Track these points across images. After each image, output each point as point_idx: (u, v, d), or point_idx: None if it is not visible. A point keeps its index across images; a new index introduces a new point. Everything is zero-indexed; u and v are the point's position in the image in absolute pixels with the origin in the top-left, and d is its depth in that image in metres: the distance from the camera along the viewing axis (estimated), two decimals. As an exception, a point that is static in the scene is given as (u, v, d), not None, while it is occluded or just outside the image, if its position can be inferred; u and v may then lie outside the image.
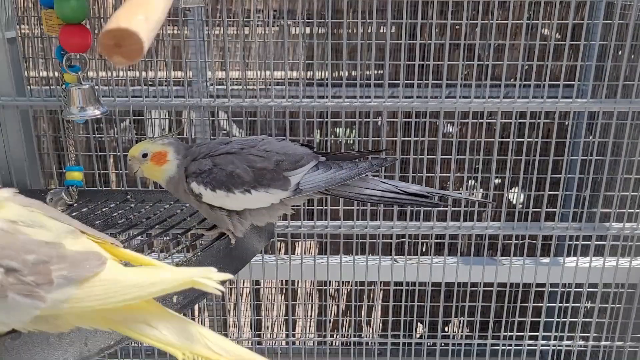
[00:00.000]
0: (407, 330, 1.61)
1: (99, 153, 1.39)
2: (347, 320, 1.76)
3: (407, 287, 1.55)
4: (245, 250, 0.94)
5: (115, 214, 1.07)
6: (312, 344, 1.72)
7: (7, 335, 0.58)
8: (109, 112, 1.08)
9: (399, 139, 1.37)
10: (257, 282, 1.69)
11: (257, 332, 1.78)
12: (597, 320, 1.51)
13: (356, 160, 0.92)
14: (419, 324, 1.69)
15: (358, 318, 1.65)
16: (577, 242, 1.44)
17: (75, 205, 1.12)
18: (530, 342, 1.56)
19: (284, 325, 1.82)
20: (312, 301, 1.78)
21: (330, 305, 1.73)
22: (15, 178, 1.29)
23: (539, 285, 1.53)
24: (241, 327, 1.70)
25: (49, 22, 1.01)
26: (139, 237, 0.97)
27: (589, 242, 1.44)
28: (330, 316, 1.75)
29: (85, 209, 1.11)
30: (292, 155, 0.89)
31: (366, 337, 1.67)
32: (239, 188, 0.86)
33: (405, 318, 1.58)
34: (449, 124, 1.48)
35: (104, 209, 1.11)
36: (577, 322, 1.53)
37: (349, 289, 1.69)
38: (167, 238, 0.97)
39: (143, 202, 1.14)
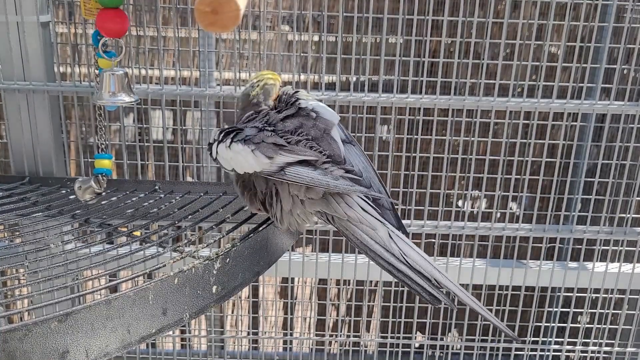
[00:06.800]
0: (407, 333, 1.60)
1: (129, 143, 1.38)
2: (346, 325, 1.74)
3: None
4: (279, 244, 0.93)
5: (145, 204, 1.06)
6: (309, 351, 1.70)
7: (53, 318, 0.57)
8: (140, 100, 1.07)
9: (405, 136, 1.37)
10: (256, 280, 1.67)
11: (254, 330, 1.76)
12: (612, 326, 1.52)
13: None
14: (417, 332, 1.68)
15: (357, 318, 1.64)
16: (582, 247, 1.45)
17: (103, 194, 1.11)
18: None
19: (282, 327, 1.80)
20: (311, 300, 1.77)
21: (329, 309, 1.71)
22: (42, 165, 1.28)
23: (549, 289, 1.54)
24: (239, 327, 1.69)
25: (87, 6, 1.00)
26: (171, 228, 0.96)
27: (594, 247, 1.44)
28: (330, 318, 1.73)
29: (114, 198, 1.10)
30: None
31: (364, 345, 1.65)
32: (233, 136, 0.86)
33: (407, 320, 1.57)
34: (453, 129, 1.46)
35: (134, 199, 1.09)
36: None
37: (349, 289, 1.67)
38: (203, 229, 0.95)
39: (172, 193, 1.13)
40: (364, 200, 0.83)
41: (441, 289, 0.77)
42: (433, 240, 1.47)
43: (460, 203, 1.69)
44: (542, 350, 1.57)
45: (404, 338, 1.59)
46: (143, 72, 1.32)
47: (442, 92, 1.30)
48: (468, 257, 1.50)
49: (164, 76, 1.29)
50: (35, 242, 0.88)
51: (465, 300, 0.77)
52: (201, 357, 1.64)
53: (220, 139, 0.88)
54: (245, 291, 1.70)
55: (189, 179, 1.55)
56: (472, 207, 1.68)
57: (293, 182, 0.81)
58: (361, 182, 0.85)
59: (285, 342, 1.73)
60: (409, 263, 0.78)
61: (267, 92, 0.96)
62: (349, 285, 1.65)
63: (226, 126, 0.90)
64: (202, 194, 1.11)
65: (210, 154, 0.90)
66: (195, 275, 0.74)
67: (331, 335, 1.70)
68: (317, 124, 0.90)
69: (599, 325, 1.53)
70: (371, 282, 1.64)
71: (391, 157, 1.35)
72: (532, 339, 1.55)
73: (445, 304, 0.77)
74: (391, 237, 0.80)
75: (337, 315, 1.74)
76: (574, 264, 1.47)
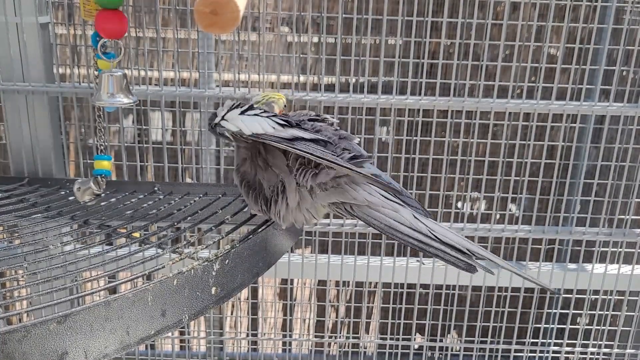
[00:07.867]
0: (406, 334, 1.60)
1: (128, 144, 1.38)
2: (346, 326, 1.74)
3: (408, 290, 1.53)
4: (278, 245, 0.93)
5: (145, 205, 1.06)
6: (308, 352, 1.70)
7: (52, 319, 0.57)
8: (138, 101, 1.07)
9: (404, 137, 1.37)
10: (255, 282, 1.67)
11: (253, 332, 1.76)
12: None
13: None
14: (417, 333, 1.68)
15: (357, 320, 1.64)
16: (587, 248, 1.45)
17: (103, 195, 1.10)
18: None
19: (282, 329, 1.80)
20: (311, 301, 1.77)
21: (329, 310, 1.71)
22: (41, 166, 1.28)
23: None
24: (239, 328, 1.68)
25: (86, 7, 1.00)
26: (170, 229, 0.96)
27: (593, 248, 1.44)
28: (329, 320, 1.73)
29: (113, 199, 1.10)
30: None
31: (364, 346, 1.65)
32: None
33: (407, 321, 1.57)
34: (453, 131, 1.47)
35: (133, 200, 1.09)
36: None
37: (348, 290, 1.68)
38: (203, 231, 0.95)
39: (171, 194, 1.13)
40: (382, 189, 0.83)
41: (477, 257, 0.77)
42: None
43: (459, 204, 1.69)
44: (541, 351, 1.57)
45: (403, 339, 1.59)
46: (142, 73, 1.32)
47: (441, 94, 1.30)
48: (467, 258, 1.50)
49: (164, 77, 1.29)
50: (34, 243, 0.88)
51: (502, 265, 0.78)
52: (200, 358, 1.64)
53: (232, 107, 0.87)
54: (245, 292, 1.70)
55: (188, 180, 1.55)
56: (471, 209, 1.68)
57: (301, 153, 0.80)
58: (381, 177, 0.85)
59: (284, 344, 1.73)
60: (439, 238, 0.78)
61: (269, 106, 0.96)
62: (348, 286, 1.65)
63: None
64: (201, 195, 1.11)
65: (211, 123, 0.88)
66: (195, 276, 0.74)
67: (330, 337, 1.70)
68: (339, 131, 0.91)
69: (598, 327, 1.53)
70: (370, 283, 1.64)
71: (390, 158, 1.35)
72: (532, 340, 1.55)
73: (471, 264, 0.77)
74: (416, 217, 0.81)
75: (337, 317, 1.73)
76: (573, 265, 1.48)
